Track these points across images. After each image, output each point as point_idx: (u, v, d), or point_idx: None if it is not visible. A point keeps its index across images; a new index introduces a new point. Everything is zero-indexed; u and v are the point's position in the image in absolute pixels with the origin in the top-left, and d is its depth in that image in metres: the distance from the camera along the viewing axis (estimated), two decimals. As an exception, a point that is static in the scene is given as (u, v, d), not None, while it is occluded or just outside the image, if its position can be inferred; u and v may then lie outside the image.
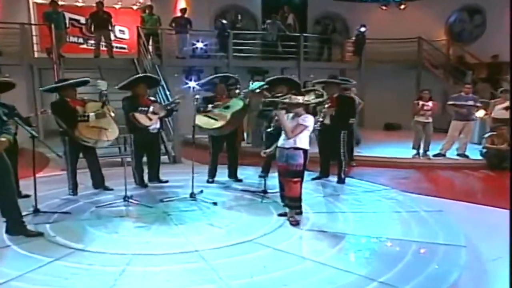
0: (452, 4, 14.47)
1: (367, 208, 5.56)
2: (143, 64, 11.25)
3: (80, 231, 4.62)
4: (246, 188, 6.42)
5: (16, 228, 4.37)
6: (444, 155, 9.03)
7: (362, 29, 13.88)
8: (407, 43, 13.59)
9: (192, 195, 5.69)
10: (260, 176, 7.15)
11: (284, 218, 4.99)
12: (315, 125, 5.49)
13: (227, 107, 6.53)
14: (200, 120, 6.35)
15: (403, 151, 9.35)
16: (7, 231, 4.39)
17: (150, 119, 6.14)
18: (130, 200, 5.51)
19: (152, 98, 6.31)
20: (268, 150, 5.45)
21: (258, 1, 14.94)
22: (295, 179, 4.87)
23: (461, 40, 14.20)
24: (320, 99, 4.93)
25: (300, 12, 15.08)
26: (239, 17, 13.91)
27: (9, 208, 4.36)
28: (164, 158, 7.81)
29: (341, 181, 6.82)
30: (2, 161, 4.29)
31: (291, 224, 4.84)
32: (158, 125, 6.35)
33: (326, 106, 6.24)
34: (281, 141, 4.95)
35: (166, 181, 6.67)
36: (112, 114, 5.96)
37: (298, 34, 13.83)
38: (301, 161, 4.86)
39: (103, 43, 11.59)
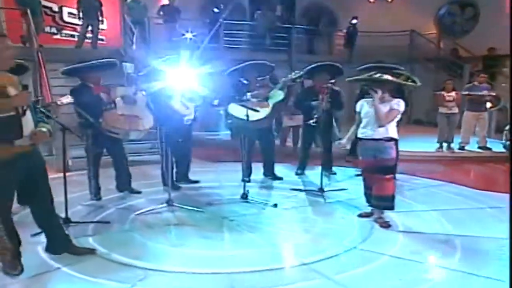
0: (443, -4, 14.29)
1: (444, 205, 4.94)
2: (130, 54, 10.17)
3: (135, 244, 3.69)
4: (292, 186, 5.63)
5: (59, 244, 3.37)
6: (463, 148, 8.65)
7: (354, 21, 13.43)
8: (398, 36, 13.22)
9: (244, 196, 4.89)
10: (297, 174, 6.45)
11: (367, 219, 4.30)
12: None
13: (267, 98, 5.73)
14: (235, 110, 5.50)
15: (419, 144, 8.88)
16: (47, 249, 3.37)
17: (187, 107, 5.23)
18: (175, 205, 4.60)
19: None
20: (344, 141, 4.69)
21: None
22: (388, 176, 4.13)
23: (452, 33, 14.02)
24: (414, 84, 4.22)
25: (288, 4, 14.43)
26: (221, 6, 12.99)
27: (47, 218, 3.33)
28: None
29: (390, 176, 6.18)
30: (38, 157, 3.27)
31: (381, 226, 4.15)
32: (192, 116, 5.43)
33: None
34: (366, 132, 4.17)
35: (197, 181, 5.79)
36: (144, 93, 4.99)
37: (290, 26, 13.15)
38: (394, 154, 4.17)
39: (89, 34, 10.31)
